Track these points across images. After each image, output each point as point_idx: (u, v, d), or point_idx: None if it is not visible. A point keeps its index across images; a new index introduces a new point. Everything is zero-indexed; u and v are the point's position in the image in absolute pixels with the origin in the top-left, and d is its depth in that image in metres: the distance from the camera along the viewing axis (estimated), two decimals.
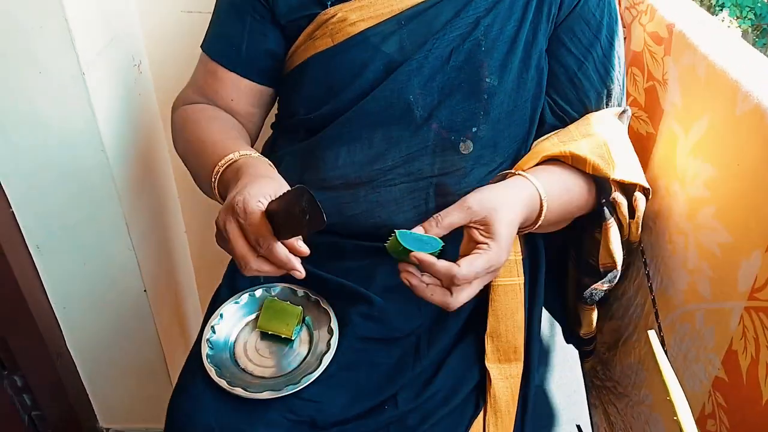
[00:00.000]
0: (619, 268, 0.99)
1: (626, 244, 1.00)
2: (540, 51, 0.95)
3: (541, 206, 0.86)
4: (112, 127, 1.10)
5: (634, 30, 1.06)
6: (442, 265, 0.75)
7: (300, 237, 0.77)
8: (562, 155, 0.93)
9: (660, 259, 1.00)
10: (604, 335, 1.21)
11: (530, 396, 0.93)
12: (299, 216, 0.70)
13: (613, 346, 1.18)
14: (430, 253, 0.76)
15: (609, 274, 0.99)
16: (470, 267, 0.75)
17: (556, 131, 0.98)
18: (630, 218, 0.96)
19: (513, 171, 0.91)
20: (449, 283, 0.76)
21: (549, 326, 1.05)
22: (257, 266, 0.77)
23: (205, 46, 1.06)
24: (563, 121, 0.98)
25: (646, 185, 0.95)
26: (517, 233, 0.87)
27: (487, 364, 0.94)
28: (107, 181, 1.13)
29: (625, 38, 1.08)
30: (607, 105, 0.98)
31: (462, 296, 0.77)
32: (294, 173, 0.94)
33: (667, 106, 0.97)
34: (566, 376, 1.00)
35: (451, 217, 0.78)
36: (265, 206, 0.75)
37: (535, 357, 0.96)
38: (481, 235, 0.78)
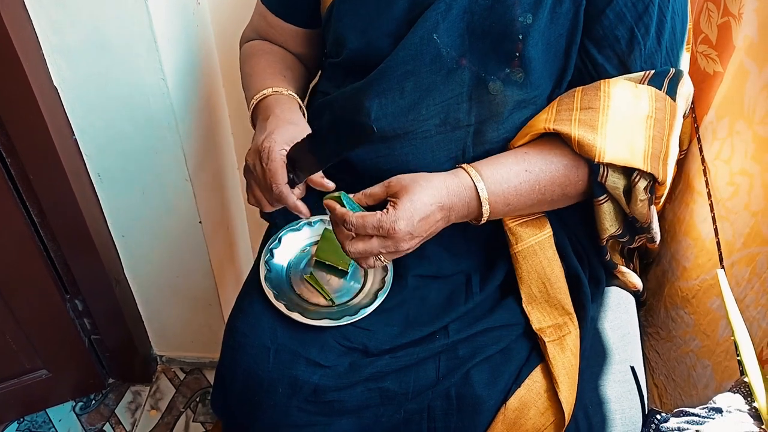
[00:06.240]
0: (604, 242, 0.97)
1: (632, 221, 0.95)
2: None
3: (479, 199, 0.88)
4: (172, 55, 1.11)
5: None
6: (340, 210, 0.86)
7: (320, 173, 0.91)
8: (547, 131, 0.90)
9: (718, 201, 0.98)
10: (649, 281, 1.19)
11: (586, 339, 0.94)
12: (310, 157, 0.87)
13: (658, 291, 1.17)
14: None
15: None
16: (361, 219, 0.84)
17: (560, 97, 0.92)
18: (628, 200, 0.92)
19: (462, 165, 0.91)
20: (342, 223, 0.86)
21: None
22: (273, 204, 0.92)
23: None
24: (586, 65, 0.92)
25: (647, 170, 0.88)
26: (475, 223, 0.92)
27: (535, 328, 0.94)
28: (167, 111, 1.14)
29: None
30: (644, 45, 0.89)
31: (358, 245, 0.86)
32: None
33: (739, 42, 0.94)
34: (620, 317, 1.00)
35: (373, 189, 0.89)
36: (287, 152, 0.89)
37: (588, 303, 0.96)
38: (389, 203, 0.86)
